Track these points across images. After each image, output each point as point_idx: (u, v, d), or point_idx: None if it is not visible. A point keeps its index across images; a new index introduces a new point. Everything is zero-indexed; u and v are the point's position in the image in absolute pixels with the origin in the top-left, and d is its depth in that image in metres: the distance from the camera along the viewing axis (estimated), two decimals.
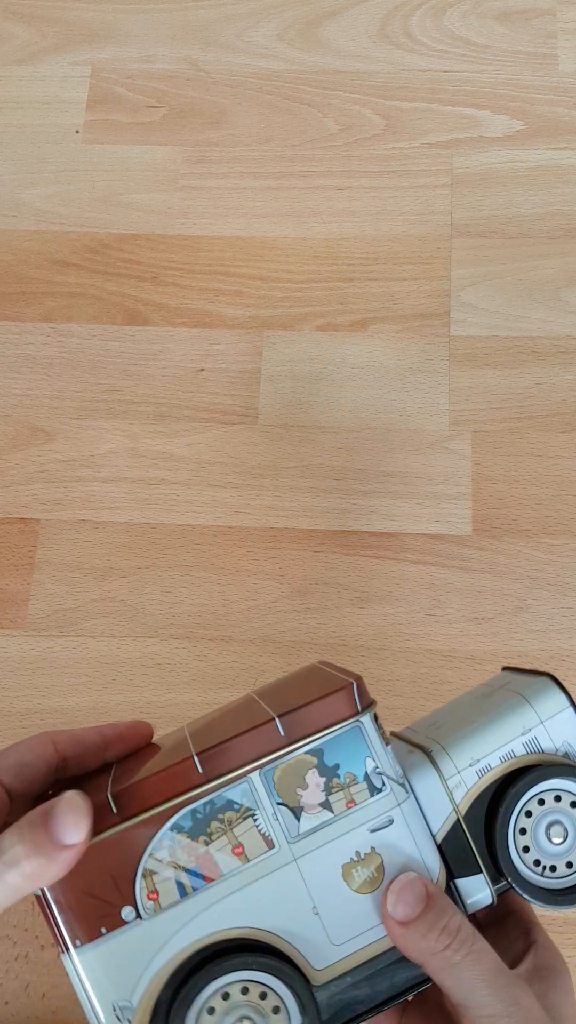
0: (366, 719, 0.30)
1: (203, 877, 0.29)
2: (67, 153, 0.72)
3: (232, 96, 0.72)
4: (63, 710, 0.60)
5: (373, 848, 0.30)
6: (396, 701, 0.59)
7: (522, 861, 0.31)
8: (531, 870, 0.31)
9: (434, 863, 0.30)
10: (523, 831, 0.31)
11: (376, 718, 0.30)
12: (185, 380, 0.66)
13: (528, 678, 0.34)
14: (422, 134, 0.70)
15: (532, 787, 0.31)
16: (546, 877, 0.31)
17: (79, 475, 0.64)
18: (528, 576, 0.61)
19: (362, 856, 0.30)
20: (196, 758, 0.29)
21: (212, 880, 0.29)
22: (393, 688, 0.59)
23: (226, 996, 0.28)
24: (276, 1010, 0.28)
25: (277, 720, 0.29)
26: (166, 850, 0.28)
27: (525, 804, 0.31)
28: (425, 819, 0.31)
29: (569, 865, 0.31)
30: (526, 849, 0.31)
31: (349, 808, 0.30)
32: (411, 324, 0.66)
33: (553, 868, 0.31)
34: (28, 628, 0.61)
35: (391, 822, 0.30)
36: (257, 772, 0.29)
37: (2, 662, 0.61)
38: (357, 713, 0.30)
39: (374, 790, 0.30)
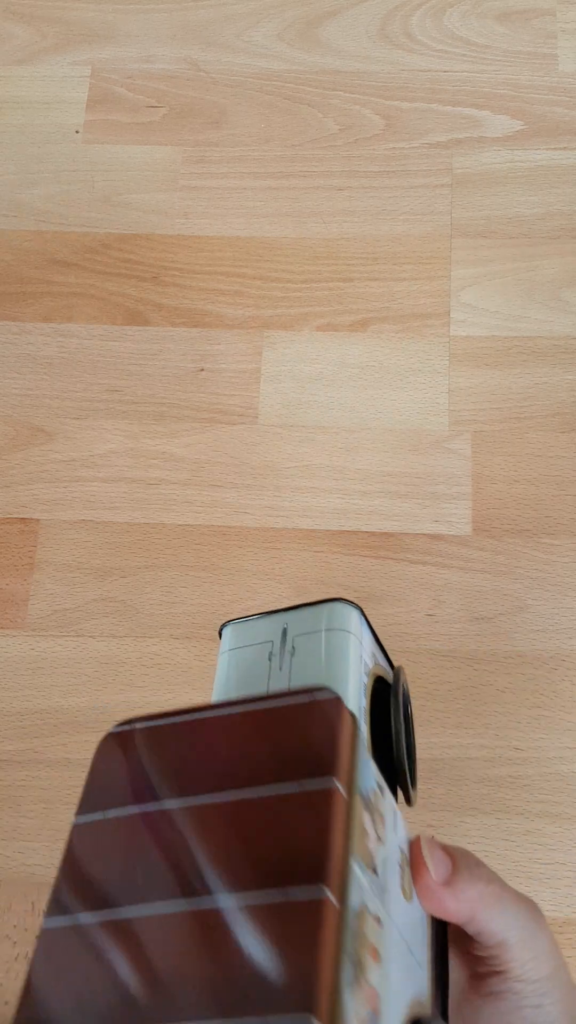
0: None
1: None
2: (67, 153, 0.72)
3: (232, 96, 0.72)
4: (63, 710, 0.60)
5: (400, 849, 0.25)
6: None
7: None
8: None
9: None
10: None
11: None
12: (185, 380, 0.66)
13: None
14: (422, 134, 0.70)
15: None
16: None
17: (79, 475, 0.64)
18: (528, 576, 0.61)
19: (400, 861, 0.25)
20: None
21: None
22: None
23: None
24: None
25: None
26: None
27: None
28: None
29: None
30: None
31: (380, 822, 0.24)
32: (411, 324, 0.66)
33: None
34: (28, 628, 0.61)
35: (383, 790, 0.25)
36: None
37: (2, 662, 0.61)
38: (332, 775, 0.22)
39: (383, 789, 0.25)
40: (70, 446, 0.65)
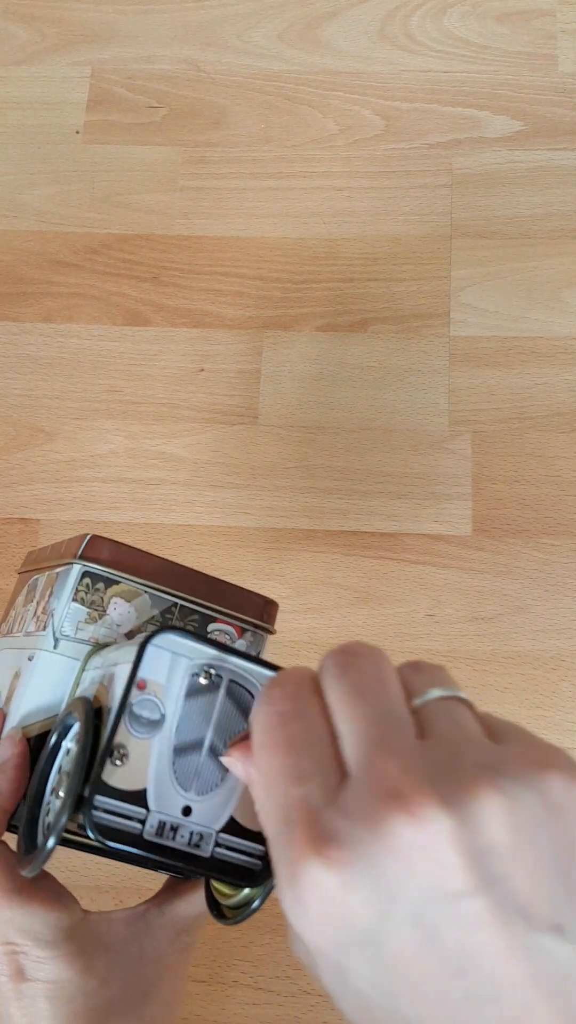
0: (76, 566, 0.33)
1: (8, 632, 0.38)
2: (67, 153, 0.72)
3: (232, 96, 0.72)
4: None
5: (20, 672, 0.34)
6: None
7: (42, 828, 0.30)
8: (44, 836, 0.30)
9: (27, 720, 0.33)
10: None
11: (99, 581, 0.33)
12: (185, 380, 0.66)
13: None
14: (422, 134, 0.70)
15: (63, 726, 0.30)
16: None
17: (79, 475, 0.64)
18: (528, 576, 0.61)
19: (17, 674, 0.34)
20: (51, 546, 0.38)
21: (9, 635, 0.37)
22: None
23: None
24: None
25: (64, 541, 0.35)
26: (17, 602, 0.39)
27: (62, 757, 0.30)
28: (61, 688, 0.33)
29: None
30: (47, 813, 0.30)
31: (37, 631, 0.34)
32: (411, 324, 0.66)
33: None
34: None
35: (32, 659, 0.33)
36: (45, 572, 0.36)
37: None
38: (73, 559, 0.33)
39: (44, 627, 0.33)
40: (70, 446, 0.65)
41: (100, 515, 0.63)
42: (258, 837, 0.28)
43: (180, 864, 0.28)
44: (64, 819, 0.27)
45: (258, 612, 0.36)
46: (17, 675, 0.35)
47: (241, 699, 0.29)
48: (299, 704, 0.23)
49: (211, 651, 0.28)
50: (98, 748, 0.27)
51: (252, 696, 0.29)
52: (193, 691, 0.28)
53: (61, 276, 0.69)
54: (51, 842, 0.27)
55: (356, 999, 0.20)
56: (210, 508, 0.63)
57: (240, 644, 0.35)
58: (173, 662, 0.28)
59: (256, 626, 0.36)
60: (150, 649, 0.27)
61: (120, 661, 0.29)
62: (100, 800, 0.26)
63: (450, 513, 0.62)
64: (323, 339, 0.66)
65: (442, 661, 0.63)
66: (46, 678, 0.33)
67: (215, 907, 0.31)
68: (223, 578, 0.36)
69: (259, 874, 0.28)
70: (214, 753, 0.28)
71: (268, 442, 0.64)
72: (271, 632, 0.37)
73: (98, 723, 0.28)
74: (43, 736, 0.32)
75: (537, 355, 0.65)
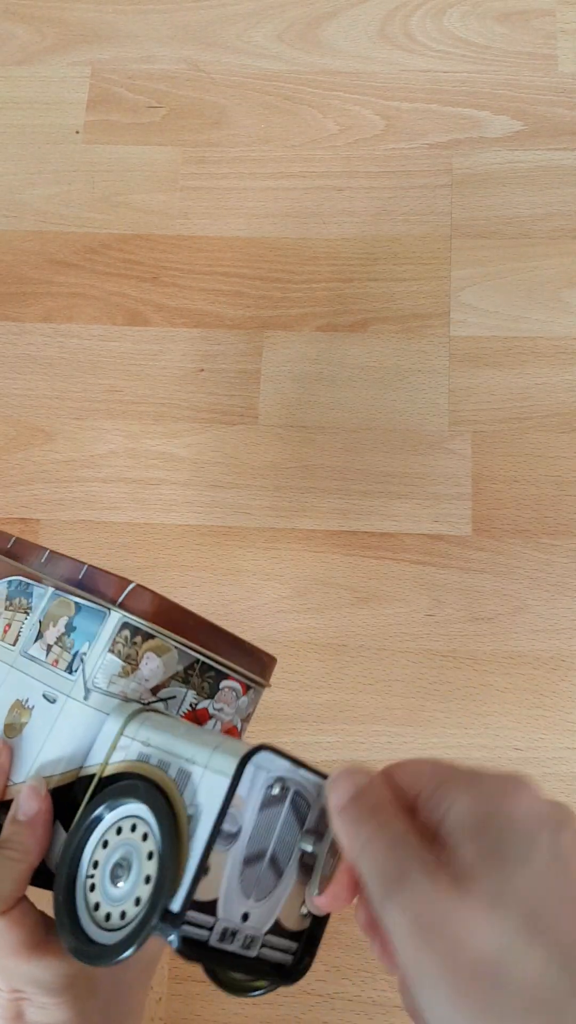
0: (115, 614, 0.32)
1: None
2: (67, 153, 0.72)
3: (232, 96, 0.72)
4: None
5: (32, 707, 0.33)
6: (396, 701, 0.59)
7: (86, 904, 0.29)
8: (96, 923, 0.29)
9: (47, 769, 0.32)
10: (95, 864, 0.29)
11: (138, 635, 0.32)
12: (185, 380, 0.66)
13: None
14: (422, 135, 0.70)
15: (117, 802, 0.29)
16: (102, 928, 0.29)
17: (79, 475, 0.64)
18: (528, 576, 0.61)
19: (23, 705, 0.33)
20: (48, 552, 0.37)
21: None
22: (393, 688, 0.59)
23: None
24: None
25: (84, 566, 0.34)
26: None
27: (106, 830, 0.29)
28: (86, 743, 0.32)
29: (122, 916, 0.28)
30: (92, 888, 0.29)
31: (53, 664, 0.33)
32: (411, 324, 0.66)
33: (107, 916, 0.28)
34: None
35: (54, 701, 0.32)
36: (52, 589, 0.35)
37: None
38: (112, 606, 0.32)
39: (71, 669, 0.32)
40: (70, 446, 0.65)
41: (100, 515, 0.63)
42: (295, 935, 0.29)
43: (227, 963, 0.28)
44: (147, 932, 0.27)
45: (261, 669, 0.37)
46: (23, 707, 0.34)
47: (300, 808, 0.29)
48: (382, 816, 0.25)
49: (285, 764, 0.29)
50: (180, 855, 0.27)
51: (308, 804, 0.30)
52: (266, 803, 0.29)
53: (61, 276, 0.69)
54: (129, 951, 0.27)
55: None
56: (210, 508, 0.63)
57: (243, 701, 0.36)
58: (255, 775, 0.28)
59: (258, 684, 0.37)
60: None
61: (198, 761, 0.28)
62: (188, 915, 0.26)
63: (450, 513, 0.62)
64: (323, 339, 0.66)
65: (442, 661, 0.63)
66: (72, 729, 0.32)
67: (211, 972, 0.31)
68: (232, 631, 0.36)
69: (289, 970, 0.29)
70: (273, 862, 0.29)
71: (268, 442, 0.64)
72: (267, 687, 0.37)
73: (172, 823, 0.28)
74: (62, 788, 0.32)
75: (537, 355, 0.65)
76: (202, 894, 0.27)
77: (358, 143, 0.70)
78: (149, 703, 0.33)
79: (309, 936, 0.30)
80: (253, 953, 0.29)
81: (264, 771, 0.28)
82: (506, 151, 0.69)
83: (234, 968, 0.29)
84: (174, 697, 0.33)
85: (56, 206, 0.70)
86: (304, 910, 0.30)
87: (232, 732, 0.35)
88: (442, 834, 0.25)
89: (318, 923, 0.30)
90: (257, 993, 0.30)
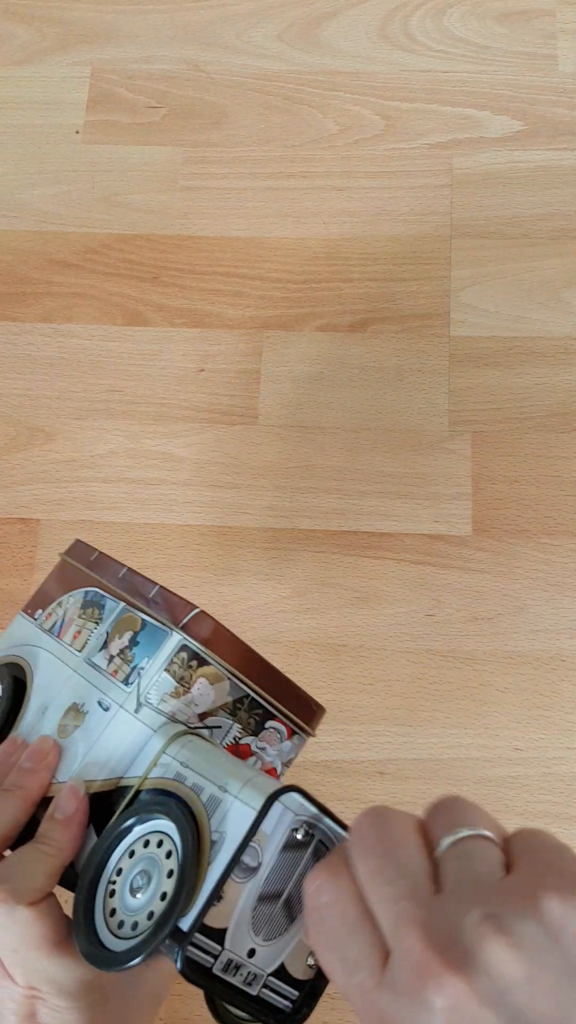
0: (176, 636, 0.34)
1: (59, 632, 0.38)
2: (67, 153, 0.72)
3: (232, 96, 0.72)
4: None
5: (86, 712, 0.34)
6: (396, 701, 0.59)
7: (104, 909, 0.30)
8: (109, 928, 0.30)
9: (90, 772, 0.33)
10: (119, 871, 0.30)
11: (195, 659, 0.33)
12: (185, 380, 0.66)
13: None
14: (422, 134, 0.70)
15: (148, 816, 0.30)
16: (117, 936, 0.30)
17: (79, 475, 0.64)
18: (528, 576, 0.61)
19: (79, 709, 0.35)
20: (125, 569, 0.38)
21: (60, 637, 0.38)
22: (393, 688, 0.59)
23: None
24: None
25: (156, 586, 0.36)
26: (69, 601, 0.39)
27: (134, 841, 0.30)
28: (129, 755, 0.32)
29: (134, 926, 0.29)
30: (112, 894, 0.30)
31: (112, 674, 0.35)
32: (411, 324, 0.66)
33: (120, 923, 0.29)
34: None
35: (107, 709, 0.34)
36: (123, 603, 0.36)
37: None
38: (174, 627, 0.34)
39: (127, 681, 0.34)
40: (70, 446, 0.65)
41: (100, 515, 0.63)
42: (298, 984, 0.30)
43: (226, 995, 0.29)
44: (155, 946, 0.27)
45: (308, 716, 0.37)
46: (78, 711, 0.35)
47: (321, 857, 0.30)
48: (334, 895, 0.25)
49: (313, 810, 0.29)
50: (198, 877, 0.28)
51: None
52: (289, 844, 0.29)
53: (61, 276, 0.69)
54: (136, 961, 0.28)
55: None
56: (210, 508, 0.63)
57: (287, 745, 0.36)
58: (282, 815, 0.29)
59: (303, 731, 0.37)
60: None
61: (230, 790, 0.29)
62: (195, 938, 0.27)
63: (450, 513, 0.62)
64: (323, 339, 0.66)
65: (442, 661, 0.63)
66: (119, 739, 0.33)
67: (211, 1003, 0.32)
68: (286, 673, 0.36)
69: (287, 1016, 0.30)
70: (288, 905, 0.29)
71: (268, 442, 0.64)
72: (312, 736, 0.37)
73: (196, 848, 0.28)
74: (101, 795, 0.33)
75: (537, 355, 0.65)
76: (212, 920, 0.28)
77: (358, 143, 0.70)
78: (195, 727, 0.34)
79: (312, 988, 0.31)
80: (254, 991, 0.29)
81: (291, 813, 0.29)
82: (506, 151, 0.69)
83: (233, 1002, 0.29)
84: (220, 727, 0.34)
85: (56, 206, 0.70)
86: (311, 961, 0.30)
87: (271, 773, 0.36)
88: None
89: (322, 977, 0.31)
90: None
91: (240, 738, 0.35)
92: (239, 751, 0.35)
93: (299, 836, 0.29)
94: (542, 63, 0.71)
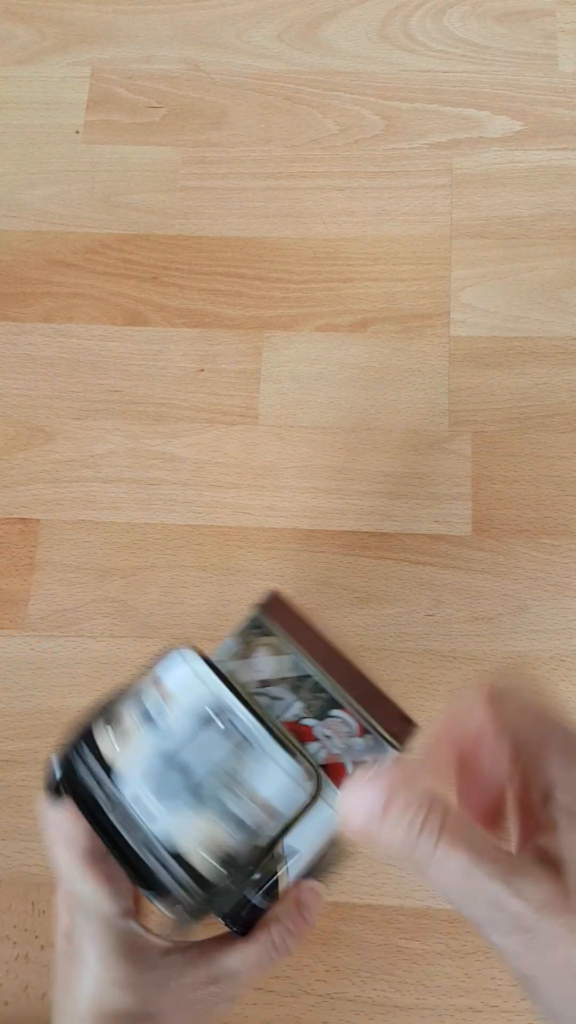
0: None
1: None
2: (67, 153, 0.72)
3: (232, 96, 0.72)
4: (63, 710, 0.60)
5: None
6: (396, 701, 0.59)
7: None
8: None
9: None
10: None
11: (259, 628, 0.34)
12: (185, 380, 0.66)
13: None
14: (422, 135, 0.70)
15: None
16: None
17: (79, 475, 0.64)
18: (528, 576, 0.61)
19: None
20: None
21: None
22: (393, 688, 0.59)
23: None
24: None
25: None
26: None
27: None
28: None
29: None
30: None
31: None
32: (411, 324, 0.66)
33: None
34: (28, 628, 0.61)
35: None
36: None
37: (2, 662, 0.61)
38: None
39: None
40: (70, 446, 0.65)
41: (100, 515, 0.63)
42: (199, 879, 0.29)
43: (111, 843, 0.28)
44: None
45: (389, 723, 0.36)
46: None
47: (244, 754, 0.31)
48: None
49: (215, 679, 0.31)
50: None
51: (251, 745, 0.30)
52: (203, 720, 0.30)
53: (61, 276, 0.69)
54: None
55: None
56: (210, 508, 0.63)
57: (359, 743, 0.35)
58: (187, 681, 0.31)
59: (379, 734, 0.35)
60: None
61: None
62: (80, 747, 0.29)
63: (450, 513, 0.62)
64: (323, 339, 0.66)
65: (442, 661, 0.63)
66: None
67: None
68: (379, 685, 0.36)
69: (178, 901, 0.29)
70: (198, 791, 0.29)
71: (268, 442, 0.64)
72: (397, 749, 0.35)
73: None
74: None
75: (537, 355, 0.65)
76: (104, 745, 0.28)
77: (358, 143, 0.70)
78: (254, 693, 0.33)
79: (215, 892, 0.29)
80: (148, 861, 0.28)
81: (200, 683, 0.29)
82: (506, 151, 0.69)
83: (126, 855, 0.29)
84: (281, 700, 0.34)
85: (56, 206, 0.70)
86: (206, 854, 0.29)
87: (338, 769, 0.34)
88: (543, 816, 0.24)
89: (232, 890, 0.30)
90: (149, 896, 0.29)
91: (302, 718, 0.34)
92: (300, 731, 0.34)
93: (218, 723, 0.29)
94: (542, 63, 0.71)
